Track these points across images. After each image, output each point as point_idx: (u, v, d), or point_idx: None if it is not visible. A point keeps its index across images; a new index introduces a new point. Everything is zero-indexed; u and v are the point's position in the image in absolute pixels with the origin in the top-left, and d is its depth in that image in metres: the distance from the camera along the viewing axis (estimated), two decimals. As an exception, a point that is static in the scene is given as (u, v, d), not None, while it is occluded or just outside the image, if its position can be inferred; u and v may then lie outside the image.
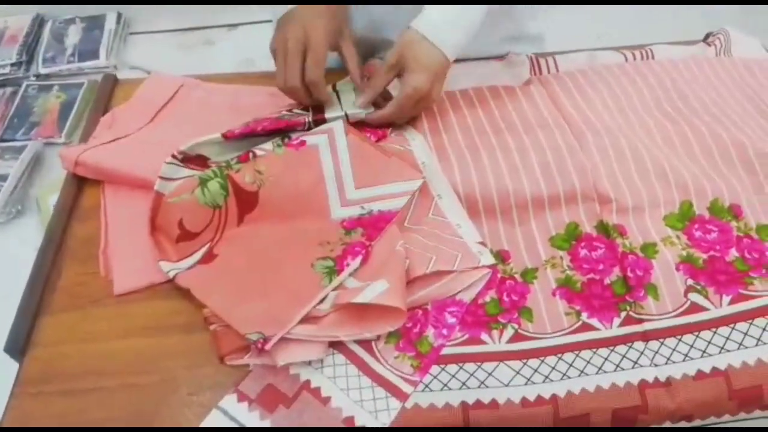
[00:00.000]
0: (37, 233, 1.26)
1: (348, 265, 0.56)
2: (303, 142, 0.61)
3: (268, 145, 0.62)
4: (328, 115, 0.63)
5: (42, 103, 1.60)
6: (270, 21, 0.68)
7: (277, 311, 0.53)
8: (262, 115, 0.65)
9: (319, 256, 0.57)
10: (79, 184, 0.66)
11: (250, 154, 0.61)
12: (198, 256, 0.58)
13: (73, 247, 0.61)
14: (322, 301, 0.54)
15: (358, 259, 0.56)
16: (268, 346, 0.50)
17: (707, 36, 0.80)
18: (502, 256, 0.59)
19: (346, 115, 0.64)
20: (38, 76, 1.69)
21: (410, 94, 0.62)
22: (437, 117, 0.69)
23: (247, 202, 0.59)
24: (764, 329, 0.53)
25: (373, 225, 0.58)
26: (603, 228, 0.60)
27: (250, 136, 0.62)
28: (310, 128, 0.63)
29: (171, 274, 0.56)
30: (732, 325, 0.53)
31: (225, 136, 0.60)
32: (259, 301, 0.54)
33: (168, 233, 0.58)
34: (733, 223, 0.59)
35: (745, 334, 0.53)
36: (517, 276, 0.58)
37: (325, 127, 0.63)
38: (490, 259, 0.57)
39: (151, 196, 0.58)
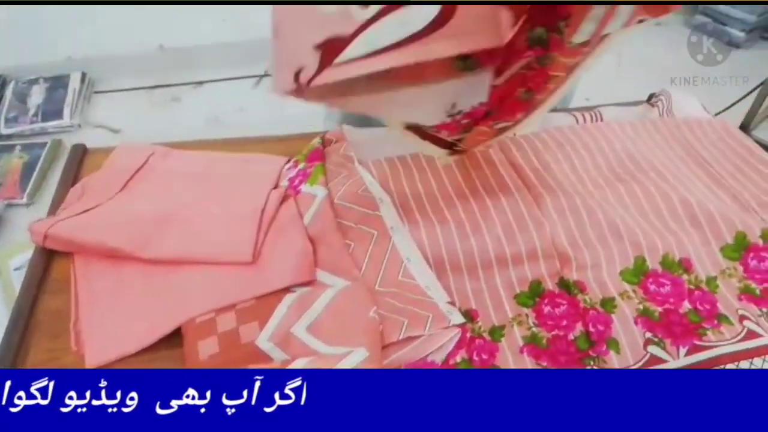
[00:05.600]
0: (-2, 297, 1.23)
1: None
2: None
3: None
4: None
5: (4, 164, 1.58)
6: (235, 78, 0.67)
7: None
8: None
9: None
10: (49, 256, 0.66)
11: None
12: None
13: (44, 321, 0.60)
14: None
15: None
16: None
17: (650, 97, 0.86)
18: (470, 315, 0.61)
19: None
20: (0, 137, 1.68)
21: None
22: (403, 181, 0.72)
23: None
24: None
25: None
26: (564, 284, 0.62)
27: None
28: None
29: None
30: (689, 376, 0.56)
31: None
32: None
33: None
34: (684, 276, 0.63)
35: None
36: (485, 335, 0.60)
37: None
38: (459, 318, 0.59)
39: (123, 265, 0.59)
